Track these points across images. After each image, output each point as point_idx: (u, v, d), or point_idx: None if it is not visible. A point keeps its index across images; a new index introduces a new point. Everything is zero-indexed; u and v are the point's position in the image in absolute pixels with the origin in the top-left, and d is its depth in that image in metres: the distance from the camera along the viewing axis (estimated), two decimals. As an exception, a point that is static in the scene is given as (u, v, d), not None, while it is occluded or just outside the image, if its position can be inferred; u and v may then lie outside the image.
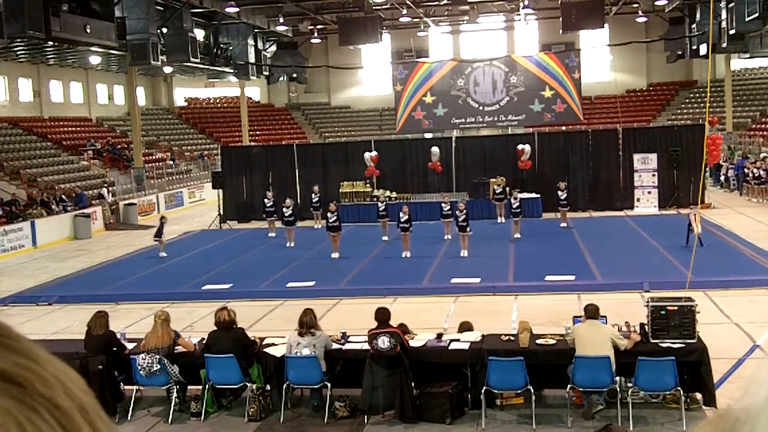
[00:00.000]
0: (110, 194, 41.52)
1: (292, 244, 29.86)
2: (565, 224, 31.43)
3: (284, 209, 30.18)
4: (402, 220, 26.46)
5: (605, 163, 36.82)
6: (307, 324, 13.06)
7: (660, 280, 20.48)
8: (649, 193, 35.75)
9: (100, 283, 24.99)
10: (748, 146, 49.06)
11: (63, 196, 37.55)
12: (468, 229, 26.19)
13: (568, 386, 12.38)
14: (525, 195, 33.33)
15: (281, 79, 58.22)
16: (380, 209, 30.29)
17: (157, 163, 51.35)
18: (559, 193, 31.37)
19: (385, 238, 29.89)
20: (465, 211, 26.40)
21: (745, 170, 39.27)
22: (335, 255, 27.06)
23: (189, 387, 13.65)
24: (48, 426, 0.88)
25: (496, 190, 33.59)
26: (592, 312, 12.55)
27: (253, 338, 13.84)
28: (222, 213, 37.06)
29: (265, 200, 32.61)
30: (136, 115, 46.66)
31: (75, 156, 48.05)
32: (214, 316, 13.62)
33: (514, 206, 29.65)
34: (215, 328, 13.45)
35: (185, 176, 52.48)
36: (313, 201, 33.92)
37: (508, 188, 32.96)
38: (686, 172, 34.97)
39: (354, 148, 39.16)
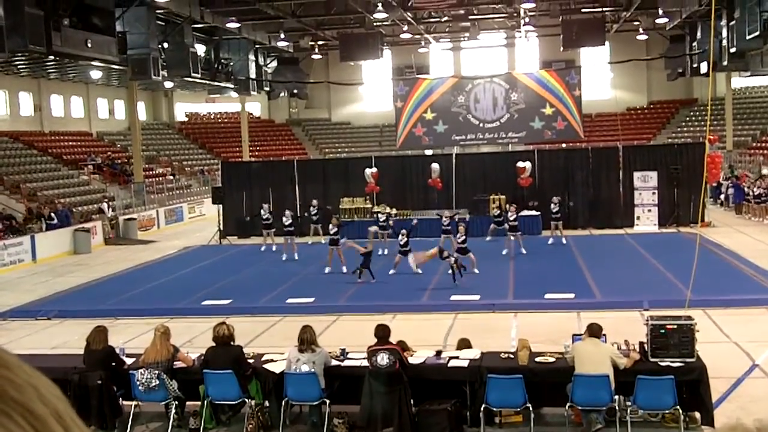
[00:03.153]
0: (110, 209, 41.53)
1: (296, 257, 29.87)
2: (552, 240, 31.59)
3: (283, 219, 30.33)
4: (401, 243, 26.31)
5: (605, 181, 36.86)
6: (307, 341, 13.04)
7: (659, 299, 20.44)
8: (649, 211, 35.75)
9: (99, 297, 24.94)
10: (748, 164, 49.10)
11: (52, 214, 37.05)
12: (468, 251, 26.08)
13: (567, 404, 12.36)
14: (524, 213, 33.36)
15: (282, 94, 58.25)
16: (380, 221, 30.62)
17: (157, 178, 51.38)
18: (552, 206, 31.69)
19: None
20: (465, 232, 26.24)
21: (745, 189, 39.24)
22: (327, 270, 27.26)
23: (187, 402, 13.64)
24: (22, 431, 0.88)
25: (494, 213, 33.15)
26: (594, 331, 12.54)
27: (250, 355, 13.82)
28: (222, 228, 37.05)
29: (261, 212, 32.78)
30: (136, 129, 46.73)
31: (75, 170, 48.10)
32: (212, 331, 13.61)
33: (511, 220, 29.55)
34: (213, 344, 13.43)
35: (185, 191, 52.50)
36: (312, 215, 33.98)
37: (507, 204, 32.95)
38: (686, 191, 34.99)
39: (354, 164, 39.21)
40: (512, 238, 29.35)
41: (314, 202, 34.49)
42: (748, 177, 41.70)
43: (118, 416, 13.47)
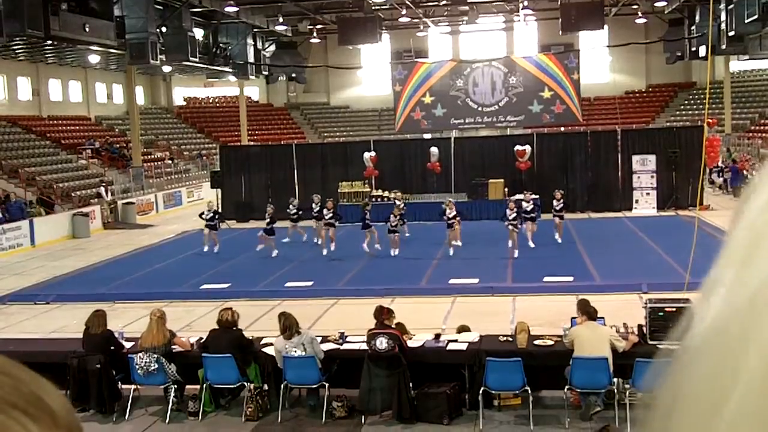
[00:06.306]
0: (108, 193, 41.47)
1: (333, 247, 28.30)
2: (560, 239, 28.29)
3: (325, 210, 28.78)
4: (392, 224, 26.62)
5: (604, 165, 36.81)
6: (290, 326, 12.96)
7: (658, 282, 20.43)
8: (648, 194, 35.72)
9: (98, 282, 24.94)
10: (746, 147, 49.07)
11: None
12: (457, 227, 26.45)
13: (566, 387, 12.39)
14: (522, 196, 32.85)
15: (280, 78, 58.25)
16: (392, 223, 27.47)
17: (155, 163, 51.34)
18: (555, 202, 28.35)
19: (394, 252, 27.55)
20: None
21: (744, 172, 39.21)
22: (325, 252, 27.49)
23: (187, 386, 13.65)
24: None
25: (525, 206, 27.85)
26: (587, 309, 12.54)
27: (250, 338, 13.84)
28: (220, 212, 36.96)
29: (206, 210, 30.08)
30: (134, 114, 46.65)
31: (73, 155, 48.02)
32: (218, 315, 13.64)
33: (510, 219, 26.15)
34: (216, 327, 13.46)
35: (184, 175, 52.46)
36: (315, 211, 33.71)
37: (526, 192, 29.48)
38: (685, 174, 34.96)
39: (353, 148, 39.14)
40: (515, 233, 26.37)
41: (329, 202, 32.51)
42: (750, 160, 41.64)
43: (118, 400, 13.49)
